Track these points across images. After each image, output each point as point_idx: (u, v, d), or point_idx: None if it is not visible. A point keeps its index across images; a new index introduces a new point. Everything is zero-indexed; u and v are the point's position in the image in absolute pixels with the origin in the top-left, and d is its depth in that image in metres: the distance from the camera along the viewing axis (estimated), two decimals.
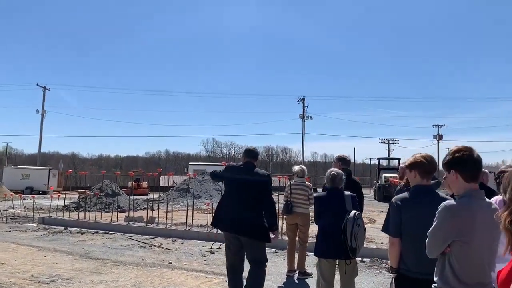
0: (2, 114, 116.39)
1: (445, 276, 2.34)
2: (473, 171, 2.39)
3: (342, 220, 4.29)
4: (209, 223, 11.51)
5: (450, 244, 2.33)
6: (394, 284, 3.00)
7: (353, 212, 4.31)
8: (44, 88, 47.03)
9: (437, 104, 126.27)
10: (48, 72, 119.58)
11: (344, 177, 4.69)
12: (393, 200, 3.02)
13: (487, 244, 2.30)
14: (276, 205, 5.22)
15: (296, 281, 6.51)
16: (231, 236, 4.88)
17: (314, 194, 4.97)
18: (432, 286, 2.43)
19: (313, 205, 4.94)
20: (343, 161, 5.83)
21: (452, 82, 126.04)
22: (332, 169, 4.82)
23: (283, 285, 6.25)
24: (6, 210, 15.67)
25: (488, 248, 2.30)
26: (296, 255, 6.84)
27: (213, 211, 11.24)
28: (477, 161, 2.42)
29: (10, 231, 11.54)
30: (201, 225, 12.04)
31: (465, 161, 2.39)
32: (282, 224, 8.46)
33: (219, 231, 10.49)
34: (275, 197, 5.58)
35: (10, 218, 14.48)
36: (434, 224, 2.37)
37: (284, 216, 6.91)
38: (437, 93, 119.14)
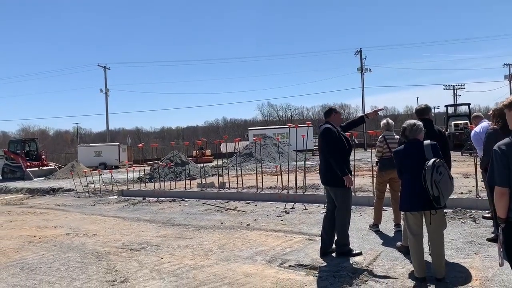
0: (69, 96, 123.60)
1: None
2: None
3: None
4: (279, 185, 11.68)
5: None
6: (502, 234, 2.82)
7: (432, 159, 4.09)
8: (105, 67, 48.85)
9: (504, 42, 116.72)
10: (105, 52, 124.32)
11: (419, 126, 4.44)
12: (495, 147, 2.78)
13: None
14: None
15: (393, 234, 6.41)
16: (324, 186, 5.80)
17: (393, 149, 4.79)
18: None
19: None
20: (416, 112, 5.51)
21: None
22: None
23: (367, 240, 6.18)
24: (87, 185, 16.79)
25: None
26: (388, 209, 7.00)
27: (281, 173, 11.44)
28: None
29: (94, 205, 12.38)
30: (271, 187, 12.20)
31: None
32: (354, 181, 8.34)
33: (290, 192, 10.66)
34: None
35: (92, 193, 15.52)
36: None
37: (381, 172, 6.53)
38: (502, 30, 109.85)
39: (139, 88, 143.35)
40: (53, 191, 17.80)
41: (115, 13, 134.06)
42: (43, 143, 55.75)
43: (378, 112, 6.31)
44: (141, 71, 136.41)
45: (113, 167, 33.12)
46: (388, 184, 6.57)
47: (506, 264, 2.94)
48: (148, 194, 13.24)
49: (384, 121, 6.75)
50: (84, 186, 16.61)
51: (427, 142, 4.35)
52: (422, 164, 4.13)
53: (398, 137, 6.42)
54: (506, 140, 2.76)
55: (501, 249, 2.90)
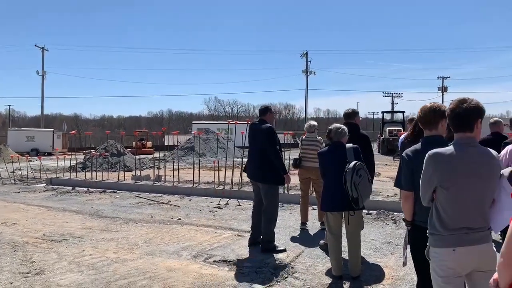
0: (2, 76, 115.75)
1: (432, 222, 2.46)
2: (454, 122, 2.44)
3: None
4: (216, 180, 11.66)
5: (435, 191, 2.43)
6: (408, 236, 2.98)
7: (353, 162, 4.27)
8: (43, 49, 46.32)
9: (441, 56, 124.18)
10: (46, 33, 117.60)
11: (343, 130, 4.61)
12: (403, 153, 2.93)
13: (473, 190, 2.36)
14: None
15: (319, 232, 6.56)
16: (252, 181, 5.83)
17: (306, 149, 5.05)
18: (427, 233, 2.52)
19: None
20: (343, 116, 5.71)
21: (455, 32, 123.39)
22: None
23: (293, 237, 6.32)
24: (13, 172, 15.81)
25: (474, 195, 2.36)
26: (315, 209, 7.14)
27: (219, 169, 11.44)
28: (458, 113, 2.40)
29: (19, 192, 11.69)
30: (208, 182, 12.14)
31: (449, 114, 2.47)
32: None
33: (226, 187, 10.68)
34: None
35: (18, 180, 14.65)
36: (422, 172, 2.48)
37: (297, 171, 6.92)
38: (440, 44, 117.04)
39: (80, 72, 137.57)
40: None
41: None
42: None
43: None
44: (83, 56, 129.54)
45: (46, 154, 31.45)
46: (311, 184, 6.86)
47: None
48: (79, 183, 12.69)
49: (306, 124, 7.07)
50: (10, 172, 15.63)
51: (349, 145, 4.51)
52: (343, 167, 4.27)
53: (320, 138, 6.81)
54: (413, 147, 2.92)
55: (405, 250, 3.08)
